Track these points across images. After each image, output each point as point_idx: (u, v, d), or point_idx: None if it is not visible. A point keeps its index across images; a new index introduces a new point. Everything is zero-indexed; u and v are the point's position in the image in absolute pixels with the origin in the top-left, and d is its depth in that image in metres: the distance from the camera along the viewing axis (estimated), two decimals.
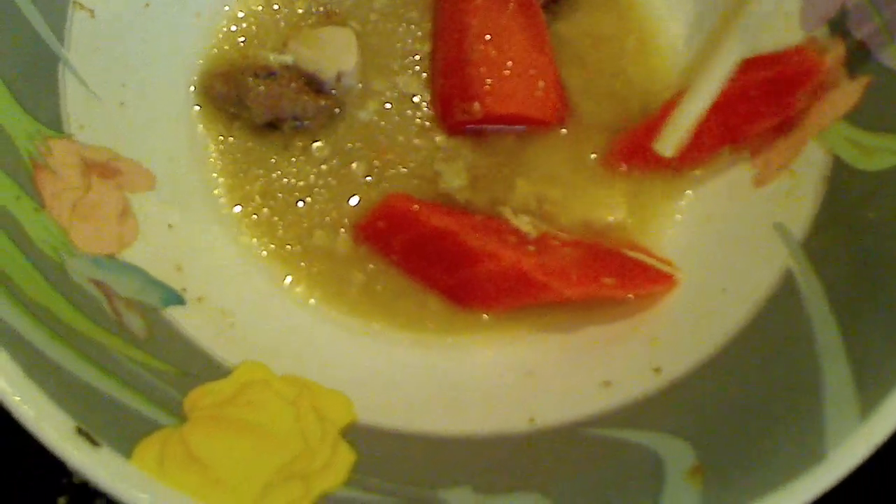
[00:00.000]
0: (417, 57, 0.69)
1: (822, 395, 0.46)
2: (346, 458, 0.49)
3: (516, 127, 0.66)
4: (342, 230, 0.64)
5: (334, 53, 0.66)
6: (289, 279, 0.63)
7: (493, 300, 0.60)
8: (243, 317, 0.58)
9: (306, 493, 0.46)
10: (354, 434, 0.51)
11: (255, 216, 0.64)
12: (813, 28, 0.62)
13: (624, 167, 0.65)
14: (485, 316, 0.61)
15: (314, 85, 0.66)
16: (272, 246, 0.64)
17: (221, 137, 0.66)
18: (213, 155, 0.66)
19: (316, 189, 0.65)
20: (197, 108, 0.66)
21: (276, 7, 0.70)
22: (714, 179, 0.64)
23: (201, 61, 0.68)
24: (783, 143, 0.60)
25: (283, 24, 0.69)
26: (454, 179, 0.64)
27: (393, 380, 0.58)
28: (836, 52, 0.59)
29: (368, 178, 0.65)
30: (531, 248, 0.60)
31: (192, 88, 0.67)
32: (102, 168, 0.58)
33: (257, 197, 0.65)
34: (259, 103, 0.65)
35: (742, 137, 0.62)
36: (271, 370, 0.54)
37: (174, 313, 0.55)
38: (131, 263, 0.56)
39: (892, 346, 0.46)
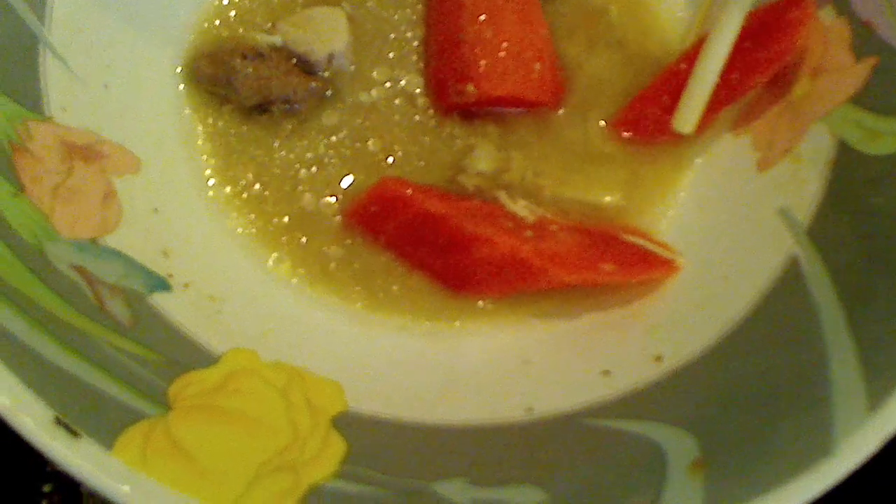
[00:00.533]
0: (410, 35, 0.68)
1: (830, 386, 0.45)
2: (336, 448, 0.48)
3: (512, 109, 0.65)
4: (336, 217, 0.63)
5: (325, 34, 0.65)
6: (274, 255, 0.62)
7: (490, 286, 0.59)
8: (231, 303, 0.58)
9: (296, 484, 0.45)
10: (345, 423, 0.50)
11: (243, 198, 0.64)
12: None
13: (628, 135, 0.64)
14: (480, 303, 0.60)
15: (305, 66, 0.65)
16: (259, 228, 0.63)
17: (210, 120, 0.66)
18: (202, 138, 0.65)
19: (307, 171, 0.64)
20: (182, 87, 0.66)
21: None
22: (716, 163, 0.63)
23: (192, 36, 0.67)
24: (787, 126, 0.60)
25: (275, 1, 0.68)
26: (450, 161, 0.64)
27: (385, 367, 0.57)
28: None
29: (362, 162, 0.64)
30: (528, 233, 0.59)
31: (178, 70, 0.66)
32: (85, 151, 0.58)
33: (246, 181, 0.64)
34: (247, 86, 0.64)
35: (741, 93, 0.61)
36: (260, 357, 0.54)
37: (160, 300, 0.55)
38: (115, 248, 0.55)
39: None
